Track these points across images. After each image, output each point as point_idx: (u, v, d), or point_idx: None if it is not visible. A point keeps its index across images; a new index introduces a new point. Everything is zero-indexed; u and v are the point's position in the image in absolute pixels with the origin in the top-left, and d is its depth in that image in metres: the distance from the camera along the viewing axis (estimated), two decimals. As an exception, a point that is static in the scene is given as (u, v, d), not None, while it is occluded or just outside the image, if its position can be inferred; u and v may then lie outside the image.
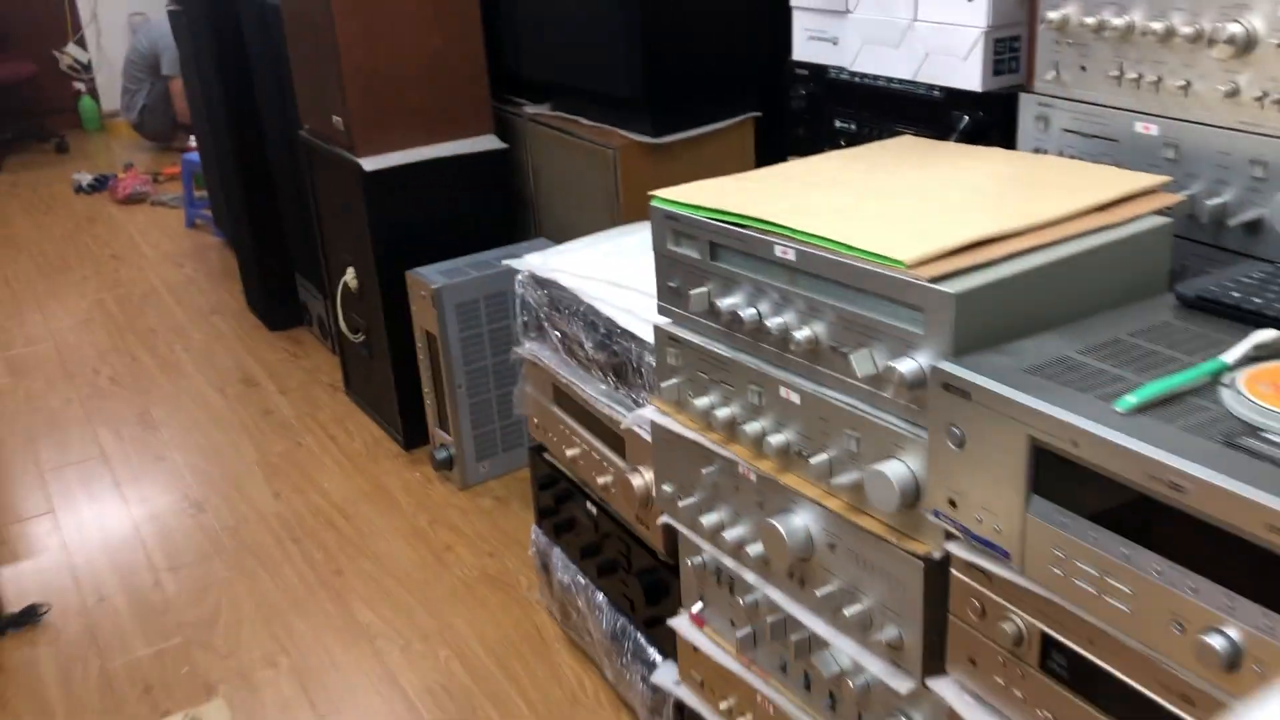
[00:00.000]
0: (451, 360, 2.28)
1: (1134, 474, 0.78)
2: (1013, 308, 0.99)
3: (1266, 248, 1.17)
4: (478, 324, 2.28)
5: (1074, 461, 0.82)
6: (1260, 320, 0.96)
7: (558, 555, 1.83)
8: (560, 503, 1.79)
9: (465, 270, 2.28)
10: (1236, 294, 1.00)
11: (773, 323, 1.12)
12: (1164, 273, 1.12)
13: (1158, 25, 1.21)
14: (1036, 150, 1.39)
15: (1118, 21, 1.26)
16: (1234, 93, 1.16)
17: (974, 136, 1.47)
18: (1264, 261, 1.13)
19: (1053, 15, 1.34)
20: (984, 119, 1.46)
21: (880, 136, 1.56)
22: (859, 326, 1.04)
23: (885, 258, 1.00)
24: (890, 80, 1.58)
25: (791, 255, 1.09)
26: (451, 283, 2.24)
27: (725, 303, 1.18)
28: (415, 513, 2.35)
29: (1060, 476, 0.84)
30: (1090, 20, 1.29)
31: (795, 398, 1.13)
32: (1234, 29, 1.14)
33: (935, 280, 0.96)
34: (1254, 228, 1.17)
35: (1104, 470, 0.80)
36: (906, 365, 0.99)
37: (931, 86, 1.52)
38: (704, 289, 1.21)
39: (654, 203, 1.26)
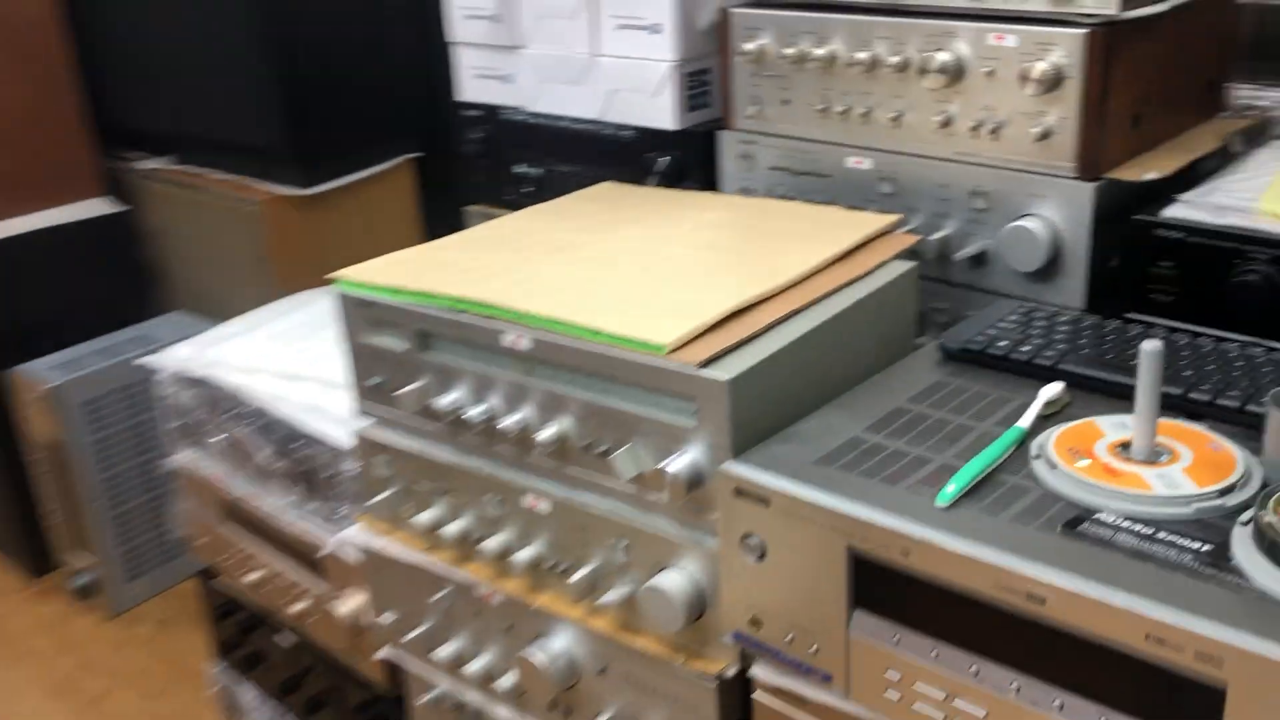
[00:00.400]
0: (83, 468, 1.91)
1: (983, 585, 0.68)
2: (786, 385, 0.87)
3: (993, 279, 1.13)
4: (113, 421, 1.93)
5: (905, 572, 0.71)
6: (1031, 370, 0.90)
7: (248, 690, 1.55)
8: (245, 633, 1.51)
9: (89, 360, 1.92)
10: (1002, 343, 0.94)
11: (509, 422, 0.95)
12: (913, 320, 1.05)
13: (862, 55, 1.15)
14: (743, 191, 1.31)
15: (819, 52, 1.19)
16: (947, 123, 1.12)
17: (674, 178, 1.36)
18: (1008, 299, 1.09)
19: (747, 47, 1.25)
20: (683, 159, 1.36)
21: (570, 181, 1.42)
22: (617, 422, 0.89)
23: (641, 343, 0.85)
24: (575, 120, 1.45)
25: (526, 344, 0.92)
26: (72, 378, 1.87)
27: (445, 401, 0.99)
28: (56, 656, 1.95)
29: (888, 587, 0.73)
30: (789, 51, 1.21)
31: (544, 506, 0.96)
32: (942, 58, 1.09)
33: (703, 364, 0.83)
34: (979, 260, 1.14)
35: (943, 581, 0.70)
36: (679, 464, 0.85)
37: (622, 126, 1.40)
38: (417, 385, 1.01)
39: (339, 286, 1.05)
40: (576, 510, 0.94)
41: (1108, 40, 1.01)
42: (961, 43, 1.09)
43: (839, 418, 0.86)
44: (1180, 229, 1.01)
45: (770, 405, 0.85)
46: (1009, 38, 1.05)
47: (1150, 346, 0.74)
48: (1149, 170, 1.06)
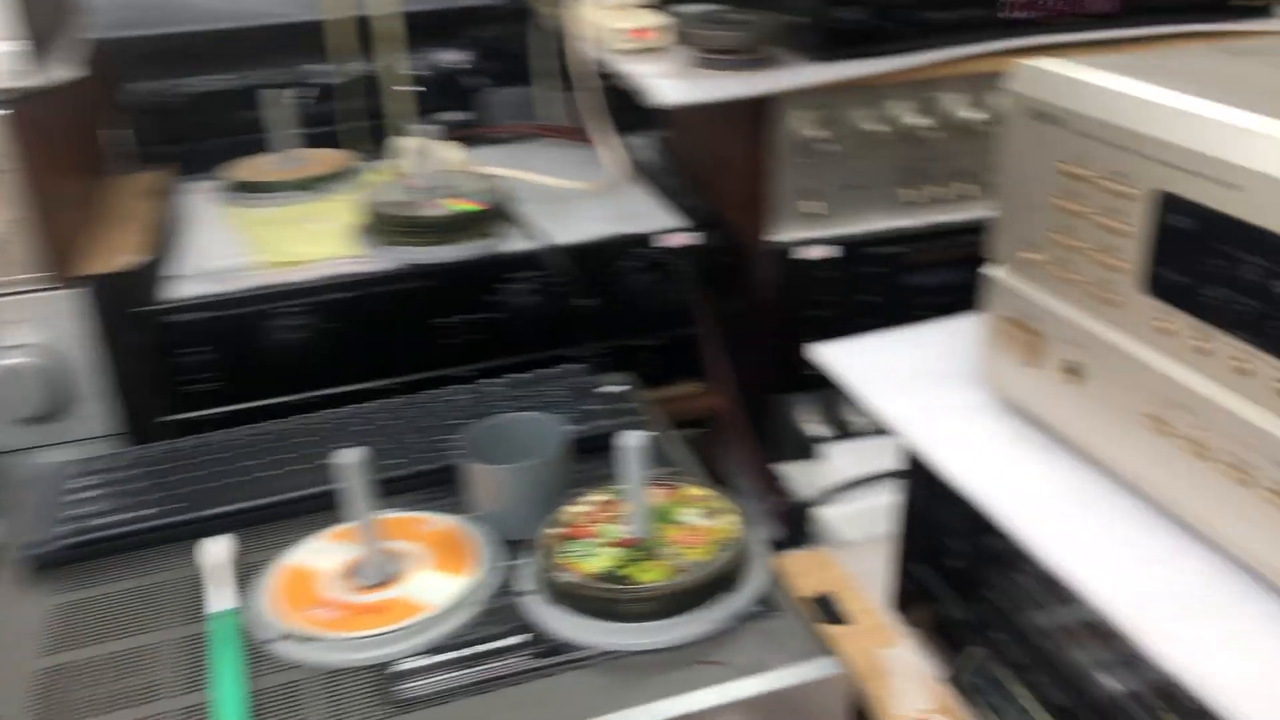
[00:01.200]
0: None
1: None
2: None
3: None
4: None
5: None
6: (148, 537, 0.70)
7: None
8: None
9: None
10: (95, 523, 0.71)
11: None
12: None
13: None
14: None
15: None
16: None
17: None
18: (22, 456, 0.84)
19: None
20: None
21: None
22: None
23: None
24: None
25: None
26: None
27: None
28: None
29: None
30: None
31: None
32: None
33: None
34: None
35: None
36: None
37: None
38: None
39: None
40: None
41: (27, 117, 0.80)
42: None
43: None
44: (192, 309, 0.88)
45: None
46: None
47: (349, 457, 0.62)
48: (126, 254, 0.90)
